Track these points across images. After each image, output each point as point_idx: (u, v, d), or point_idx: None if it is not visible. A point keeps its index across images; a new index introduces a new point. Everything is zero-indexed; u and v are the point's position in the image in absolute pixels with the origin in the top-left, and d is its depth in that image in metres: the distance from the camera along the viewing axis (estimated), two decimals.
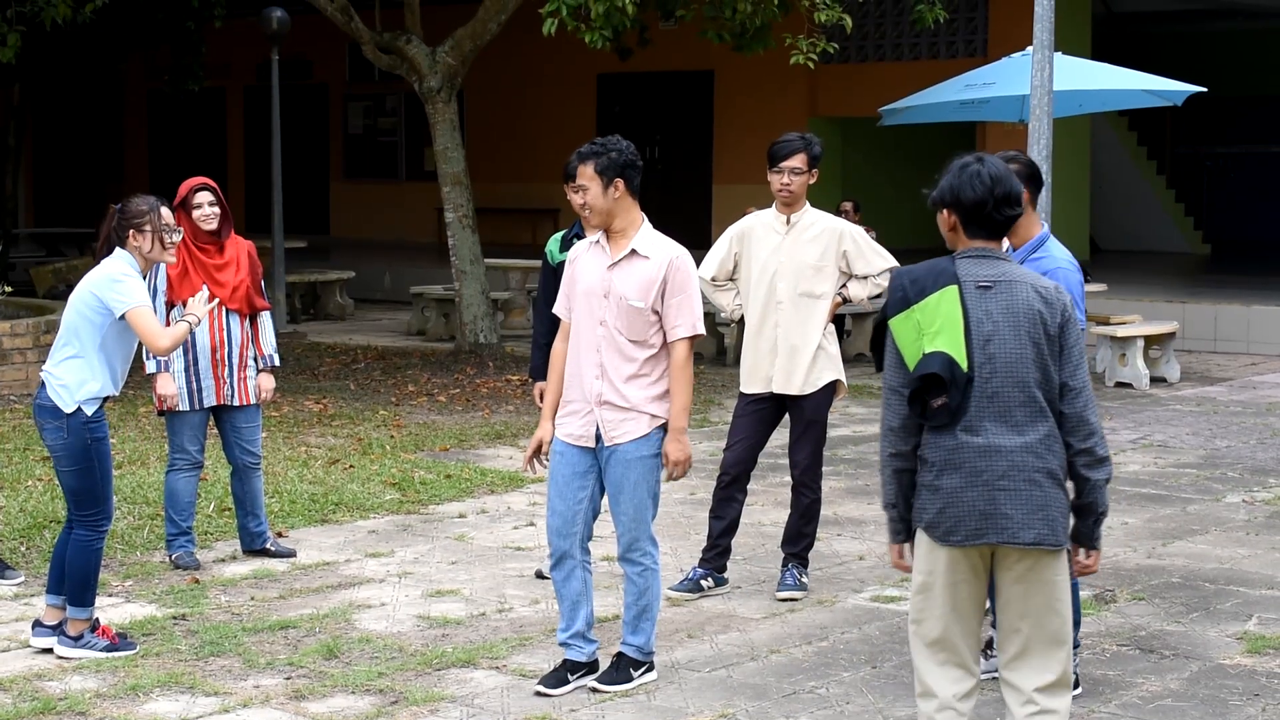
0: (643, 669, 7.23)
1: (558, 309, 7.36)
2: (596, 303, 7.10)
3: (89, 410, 7.60)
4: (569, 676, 7.15)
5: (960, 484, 5.37)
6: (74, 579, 7.65)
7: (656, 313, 7.05)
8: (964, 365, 5.33)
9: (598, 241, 7.19)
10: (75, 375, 7.61)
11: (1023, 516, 5.34)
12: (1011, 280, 5.42)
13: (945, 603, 5.48)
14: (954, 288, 5.38)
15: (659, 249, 7.10)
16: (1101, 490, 5.50)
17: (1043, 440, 5.37)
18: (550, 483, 7.23)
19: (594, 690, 7.12)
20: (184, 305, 8.71)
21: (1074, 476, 5.47)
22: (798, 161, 8.60)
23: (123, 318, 7.58)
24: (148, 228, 7.69)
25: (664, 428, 7.11)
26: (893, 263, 8.63)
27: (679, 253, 7.12)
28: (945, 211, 5.52)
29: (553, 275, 8.69)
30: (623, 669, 7.21)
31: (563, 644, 7.24)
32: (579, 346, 7.14)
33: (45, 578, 8.77)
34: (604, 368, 7.06)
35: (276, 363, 9.45)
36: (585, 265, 7.19)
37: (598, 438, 7.10)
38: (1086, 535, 5.55)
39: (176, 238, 7.86)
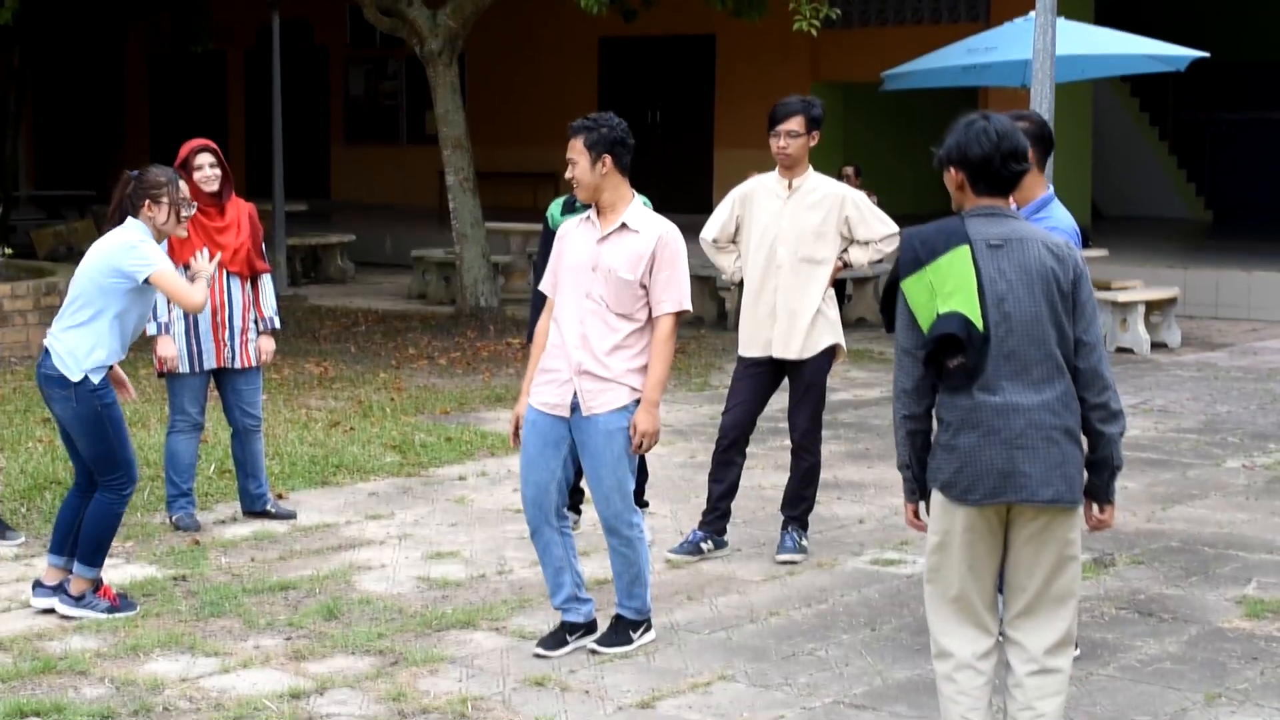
0: (641, 629, 7.24)
1: (543, 286, 7.34)
2: (584, 275, 7.06)
3: (95, 379, 7.57)
4: (568, 638, 7.16)
5: (977, 443, 5.35)
6: (89, 539, 7.63)
7: (644, 287, 7.01)
8: (979, 325, 5.31)
9: (588, 218, 7.18)
10: (84, 343, 7.58)
11: (1041, 474, 5.33)
12: (1022, 238, 5.40)
13: (962, 562, 5.47)
14: (965, 247, 5.35)
15: (649, 224, 7.08)
16: (1116, 444, 5.50)
17: (1059, 398, 5.36)
18: (522, 454, 7.19)
19: (593, 652, 7.13)
20: (185, 267, 8.71)
21: (1088, 432, 5.45)
22: (794, 124, 8.57)
23: (146, 282, 7.56)
24: (165, 199, 7.65)
25: (637, 398, 7.05)
26: (894, 228, 8.61)
27: (669, 228, 7.09)
28: (952, 169, 5.47)
29: (553, 239, 8.68)
30: (621, 631, 7.22)
31: (558, 608, 7.26)
32: (562, 318, 7.10)
33: (46, 539, 8.80)
34: (586, 338, 7.01)
35: (277, 325, 9.45)
36: (574, 240, 7.17)
37: (574, 408, 7.05)
38: (1102, 490, 5.55)
39: (191, 211, 7.85)
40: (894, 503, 9.82)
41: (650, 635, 7.29)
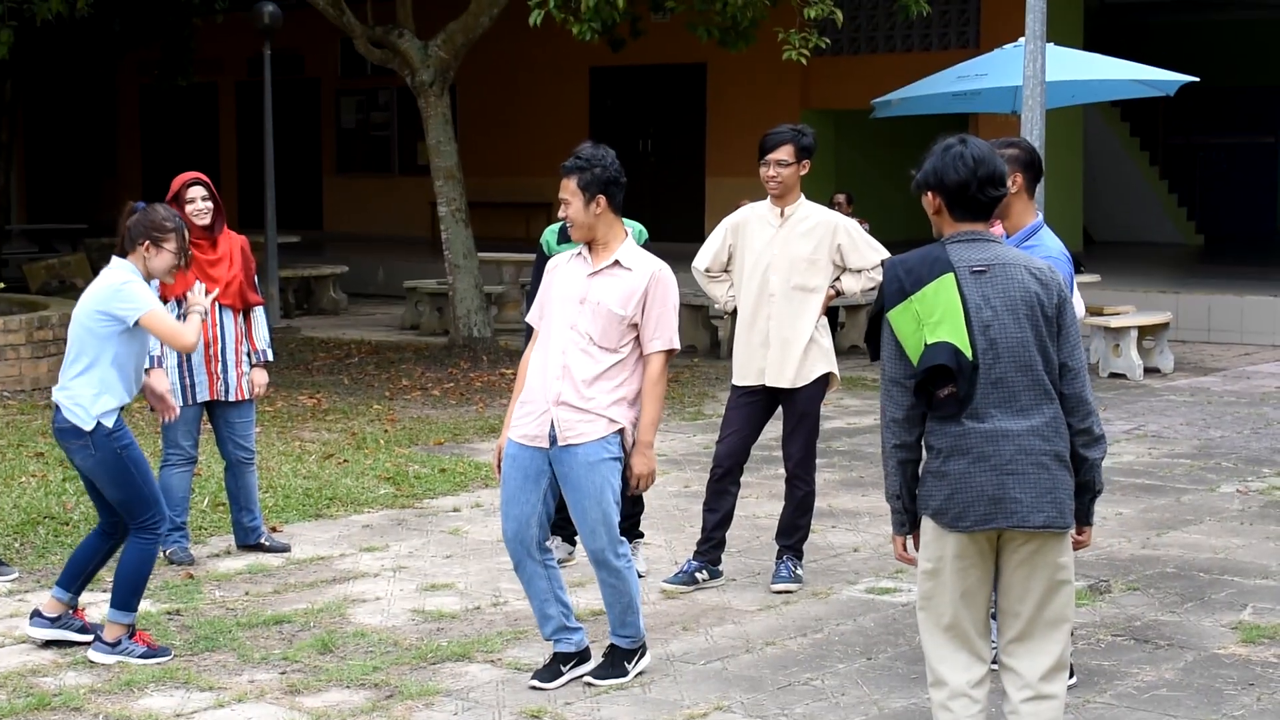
0: (636, 657, 7.23)
1: (530, 318, 7.34)
2: (571, 308, 7.05)
3: (109, 422, 7.52)
4: (561, 668, 7.14)
5: (967, 469, 5.34)
6: (126, 583, 7.53)
7: (634, 326, 7.02)
8: (969, 354, 5.30)
9: (580, 253, 7.16)
10: (88, 390, 7.51)
11: (1031, 499, 5.32)
12: (1005, 263, 5.39)
13: (954, 589, 5.46)
14: (950, 275, 5.34)
15: (642, 262, 7.08)
16: (1098, 469, 5.51)
17: (1048, 423, 5.36)
18: (502, 488, 7.15)
19: (589, 684, 7.12)
20: (179, 302, 8.70)
21: (1072, 455, 5.46)
22: (783, 154, 8.58)
23: (137, 324, 7.52)
24: (166, 245, 7.60)
25: (621, 433, 7.02)
26: (886, 255, 8.61)
27: (662, 267, 7.10)
28: (930, 194, 5.48)
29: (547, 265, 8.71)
30: (617, 662, 7.20)
31: (548, 640, 7.25)
32: (546, 349, 7.07)
33: (40, 574, 8.79)
34: (568, 369, 6.98)
35: (269, 357, 9.44)
36: (564, 274, 7.17)
37: (552, 440, 7.01)
38: (1083, 513, 5.56)
39: (198, 309, 7.84)
40: (889, 531, 9.77)
41: (646, 660, 7.27)
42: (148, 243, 7.56)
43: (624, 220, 8.92)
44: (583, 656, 7.20)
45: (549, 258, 8.77)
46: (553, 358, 7.04)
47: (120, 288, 7.50)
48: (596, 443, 6.97)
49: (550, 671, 7.13)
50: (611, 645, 7.24)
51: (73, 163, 36.68)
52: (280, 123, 24.12)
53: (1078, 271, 7.97)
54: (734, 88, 27.49)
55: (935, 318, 5.32)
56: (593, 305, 7.00)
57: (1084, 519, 5.58)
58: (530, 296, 8.92)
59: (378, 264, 26.50)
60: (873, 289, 8.86)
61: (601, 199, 7.01)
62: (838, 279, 8.68)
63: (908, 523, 5.58)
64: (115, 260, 7.63)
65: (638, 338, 7.06)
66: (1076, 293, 6.96)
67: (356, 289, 25.17)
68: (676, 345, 7.09)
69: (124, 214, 7.69)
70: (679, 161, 28.54)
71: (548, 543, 7.19)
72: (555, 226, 8.93)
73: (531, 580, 7.13)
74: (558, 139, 30.19)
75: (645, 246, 8.92)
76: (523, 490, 7.06)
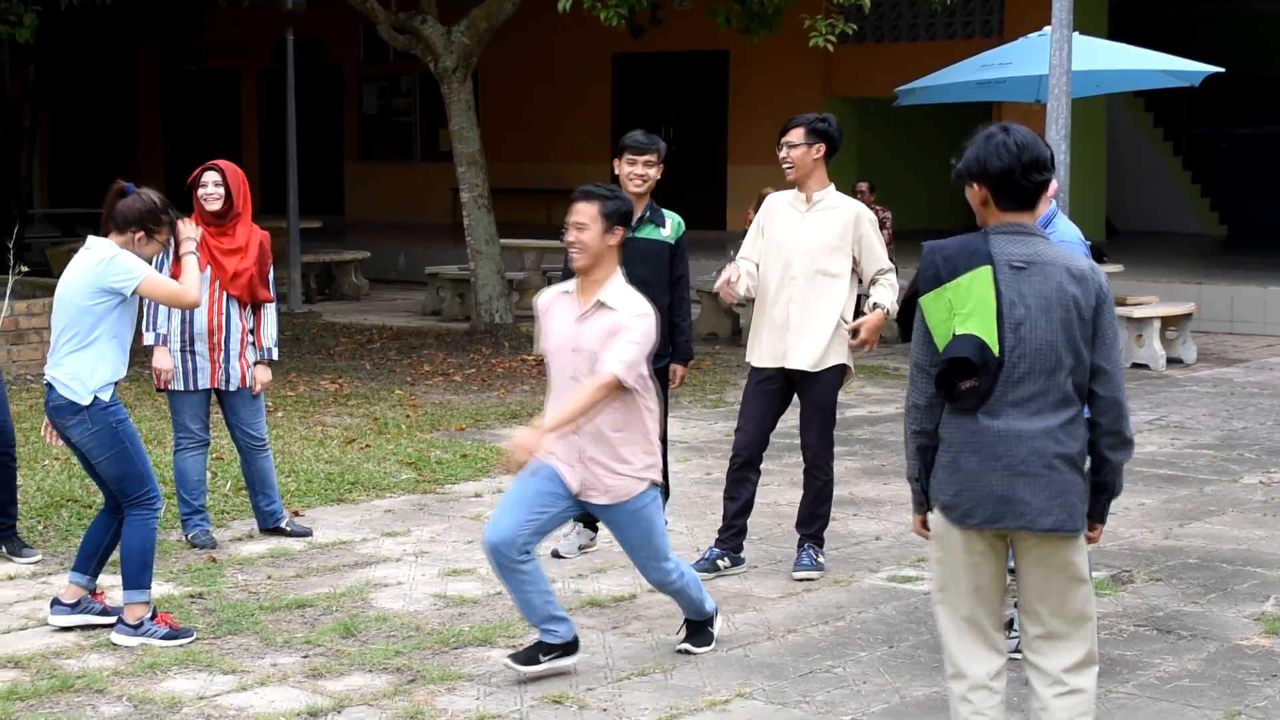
0: (713, 623, 7.46)
1: (538, 348, 7.15)
2: (568, 358, 6.91)
3: (105, 396, 7.56)
4: (541, 657, 7.03)
5: (978, 467, 5.30)
6: (132, 562, 7.55)
7: None
8: (995, 349, 5.24)
9: (568, 291, 7.00)
10: (84, 366, 7.54)
11: (1041, 502, 5.27)
12: (1045, 262, 5.31)
13: (968, 583, 5.43)
14: (988, 268, 5.27)
15: (628, 303, 6.86)
16: (1120, 472, 5.46)
17: (1063, 425, 5.29)
18: (516, 484, 7.03)
19: (687, 652, 7.33)
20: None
21: (1095, 455, 5.40)
22: (795, 135, 8.59)
23: (134, 294, 7.54)
24: (159, 237, 7.63)
25: (655, 483, 6.98)
26: (890, 265, 8.69)
27: (645, 310, 6.85)
28: (975, 185, 5.39)
29: None
30: (703, 630, 7.42)
31: (536, 627, 7.13)
32: (560, 400, 6.90)
33: (63, 556, 8.81)
34: (589, 430, 6.87)
35: (274, 356, 9.42)
36: (556, 317, 6.99)
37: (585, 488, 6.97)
38: (1098, 511, 5.52)
39: (189, 246, 7.83)
40: (910, 519, 9.79)
41: (718, 622, 7.54)
42: (141, 233, 7.56)
43: (664, 211, 8.97)
44: (568, 649, 7.10)
45: None
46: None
47: (110, 261, 7.47)
48: (638, 496, 6.97)
49: (528, 656, 7.02)
50: (689, 620, 7.42)
51: (95, 148, 36.74)
52: (302, 109, 24.13)
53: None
54: (756, 75, 27.46)
55: (967, 309, 5.26)
56: (586, 355, 6.84)
57: (1098, 517, 5.53)
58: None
59: (399, 250, 26.53)
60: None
61: (620, 230, 6.89)
62: (872, 301, 8.63)
63: (925, 503, 5.56)
64: (93, 239, 7.59)
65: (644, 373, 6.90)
66: None
67: (378, 275, 25.20)
68: (629, 382, 6.75)
69: (111, 195, 7.64)
70: (701, 149, 28.50)
71: (568, 529, 7.19)
72: None
73: (512, 582, 7.00)
74: (580, 126, 30.24)
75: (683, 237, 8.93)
76: (525, 507, 6.95)
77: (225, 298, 9.15)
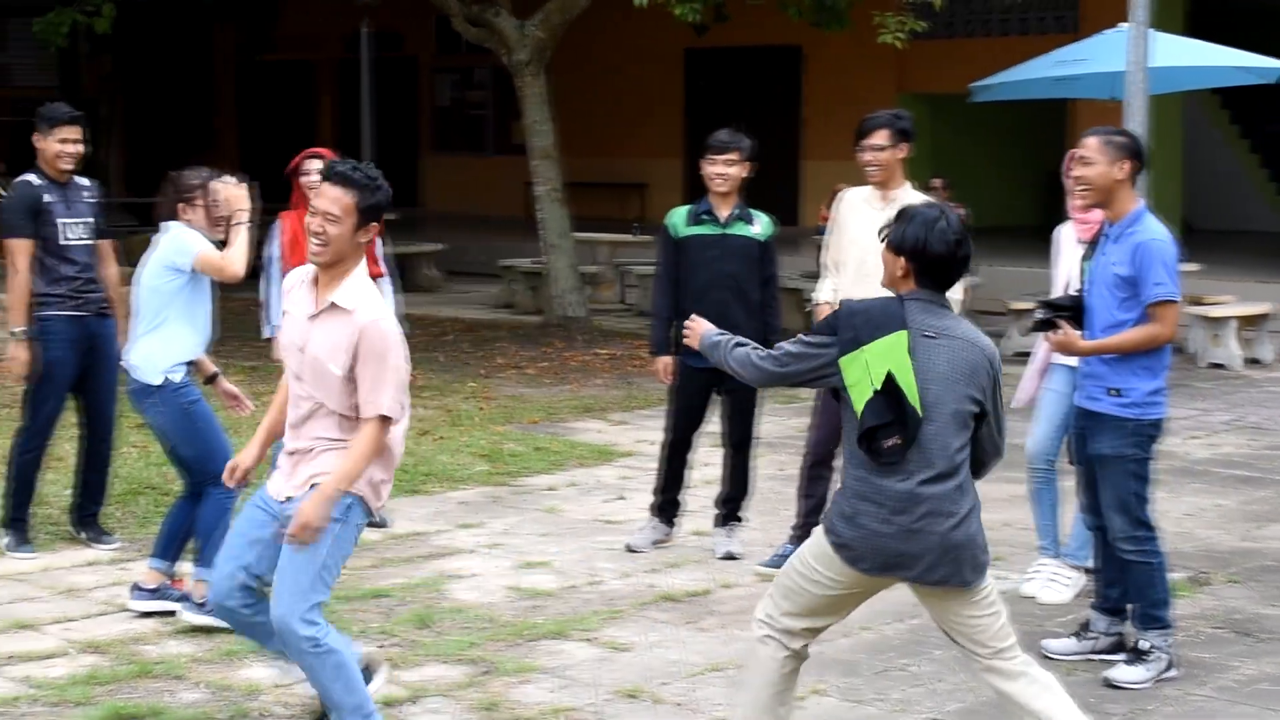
0: None
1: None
2: (294, 356, 5.92)
3: (176, 378, 7.68)
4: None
5: (877, 524, 5.45)
6: (212, 541, 7.49)
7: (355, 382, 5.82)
8: (919, 409, 5.40)
9: (313, 279, 5.93)
10: (155, 347, 7.70)
11: (933, 559, 5.46)
12: (954, 335, 5.52)
13: (826, 601, 5.65)
14: (905, 333, 5.44)
15: (363, 305, 5.78)
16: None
17: (959, 486, 5.49)
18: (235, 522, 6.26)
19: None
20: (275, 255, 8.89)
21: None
22: (879, 138, 8.57)
23: (195, 270, 7.68)
24: (198, 202, 7.77)
25: (352, 495, 5.87)
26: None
27: (381, 316, 5.80)
28: (903, 259, 5.55)
29: (676, 248, 8.81)
30: None
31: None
32: (291, 403, 6.02)
33: (142, 543, 8.90)
34: (304, 420, 5.94)
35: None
36: (294, 305, 5.98)
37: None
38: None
39: (241, 216, 7.88)
40: (986, 518, 9.71)
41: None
42: (183, 205, 7.79)
43: (753, 211, 8.95)
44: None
45: (675, 241, 8.86)
46: (294, 412, 5.99)
47: (173, 240, 7.72)
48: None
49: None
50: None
51: (171, 138, 36.99)
52: (378, 101, 24.25)
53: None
54: (830, 71, 27.38)
55: (883, 371, 5.40)
56: (311, 360, 5.84)
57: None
58: (659, 282, 9.00)
59: (472, 242, 26.60)
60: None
61: (374, 228, 5.82)
62: None
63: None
64: (162, 226, 7.83)
65: None
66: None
67: (452, 267, 25.27)
68: (398, 416, 5.88)
69: (164, 185, 7.90)
70: (774, 145, 28.38)
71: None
72: (683, 209, 9.00)
73: (243, 629, 6.22)
74: (653, 120, 30.24)
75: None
76: (246, 536, 6.07)
77: None
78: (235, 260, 7.78)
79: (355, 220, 5.74)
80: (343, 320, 5.77)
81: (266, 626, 5.96)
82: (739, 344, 5.79)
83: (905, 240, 5.53)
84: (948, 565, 5.47)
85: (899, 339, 5.43)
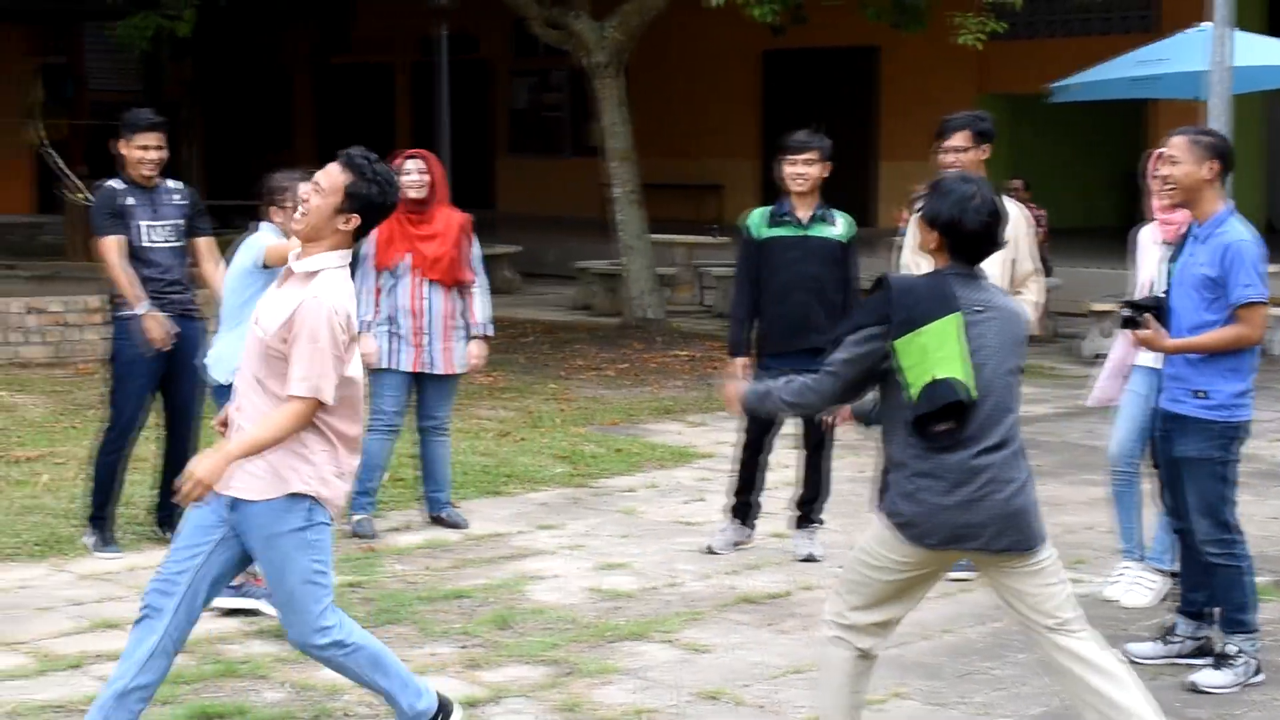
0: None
1: None
2: (251, 329, 5.84)
3: None
4: None
5: (939, 498, 5.47)
6: None
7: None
8: (973, 392, 5.43)
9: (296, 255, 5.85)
10: (228, 347, 7.96)
11: (997, 526, 5.50)
12: (998, 306, 5.59)
13: (893, 587, 5.68)
14: (958, 315, 5.46)
15: (318, 282, 5.67)
16: None
17: (1016, 454, 5.56)
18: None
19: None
20: (391, 272, 9.13)
21: None
22: (959, 139, 8.52)
23: (267, 267, 7.86)
24: (287, 204, 7.87)
25: (308, 497, 5.75)
26: (1036, 268, 8.53)
27: (325, 296, 5.61)
28: (937, 233, 5.57)
29: (756, 249, 8.81)
30: None
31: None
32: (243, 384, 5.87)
33: None
34: (241, 409, 5.81)
35: (489, 332, 9.57)
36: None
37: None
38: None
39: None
40: (1067, 520, 9.73)
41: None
42: (272, 207, 8.04)
43: (834, 211, 8.94)
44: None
45: (757, 242, 8.86)
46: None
47: (248, 242, 8.03)
48: (269, 504, 5.76)
49: None
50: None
51: (250, 140, 37.26)
52: (453, 103, 24.33)
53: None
54: (907, 72, 27.29)
55: (942, 353, 5.42)
56: (258, 332, 5.72)
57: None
58: (738, 284, 8.99)
59: (548, 244, 26.65)
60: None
61: (355, 220, 5.69)
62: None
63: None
64: (250, 227, 8.14)
65: None
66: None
67: (528, 269, 25.33)
68: (324, 398, 5.60)
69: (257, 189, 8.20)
70: (852, 145, 28.34)
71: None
72: (761, 210, 8.99)
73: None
74: (730, 121, 30.22)
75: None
76: (194, 536, 5.91)
77: (426, 283, 9.31)
78: (277, 253, 7.95)
79: (339, 201, 5.66)
80: (296, 292, 5.67)
81: None
82: (787, 380, 5.77)
83: (940, 216, 5.55)
84: (1012, 532, 5.53)
85: (954, 322, 5.45)
